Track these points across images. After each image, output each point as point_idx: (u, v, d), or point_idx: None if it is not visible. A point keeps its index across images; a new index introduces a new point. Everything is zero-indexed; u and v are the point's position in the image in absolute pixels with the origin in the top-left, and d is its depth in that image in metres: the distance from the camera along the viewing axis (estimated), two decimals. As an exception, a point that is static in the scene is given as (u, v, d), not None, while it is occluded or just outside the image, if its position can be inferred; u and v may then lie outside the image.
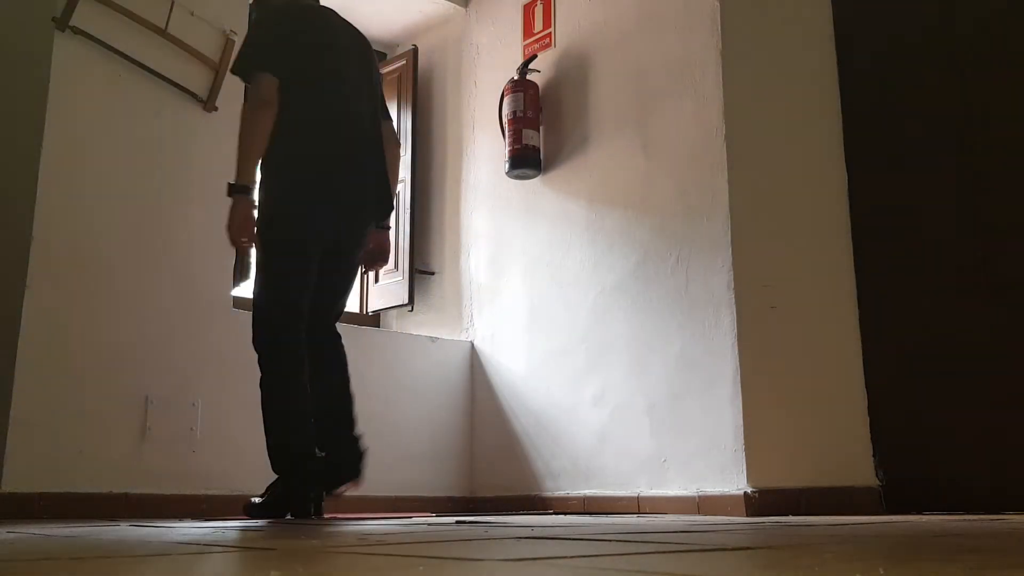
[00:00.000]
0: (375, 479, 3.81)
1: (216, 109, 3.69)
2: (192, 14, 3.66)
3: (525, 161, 4.03)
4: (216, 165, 3.69)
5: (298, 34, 2.82)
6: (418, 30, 4.84)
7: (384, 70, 4.82)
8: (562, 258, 3.92)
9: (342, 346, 2.96)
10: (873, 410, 3.40)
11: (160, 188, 3.53)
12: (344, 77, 2.84)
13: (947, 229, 3.40)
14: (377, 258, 3.09)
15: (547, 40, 4.19)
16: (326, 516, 2.98)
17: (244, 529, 2.18)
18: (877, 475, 3.34)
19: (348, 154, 2.80)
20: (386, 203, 2.94)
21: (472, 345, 4.29)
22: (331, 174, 2.78)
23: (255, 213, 2.69)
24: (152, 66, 3.55)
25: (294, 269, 2.73)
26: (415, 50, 4.74)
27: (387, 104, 3.17)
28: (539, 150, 4.05)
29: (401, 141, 4.65)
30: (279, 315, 2.70)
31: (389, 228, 3.12)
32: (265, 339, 2.70)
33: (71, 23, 3.37)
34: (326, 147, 2.77)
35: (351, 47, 2.95)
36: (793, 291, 3.40)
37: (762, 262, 3.36)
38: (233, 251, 2.85)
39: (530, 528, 2.07)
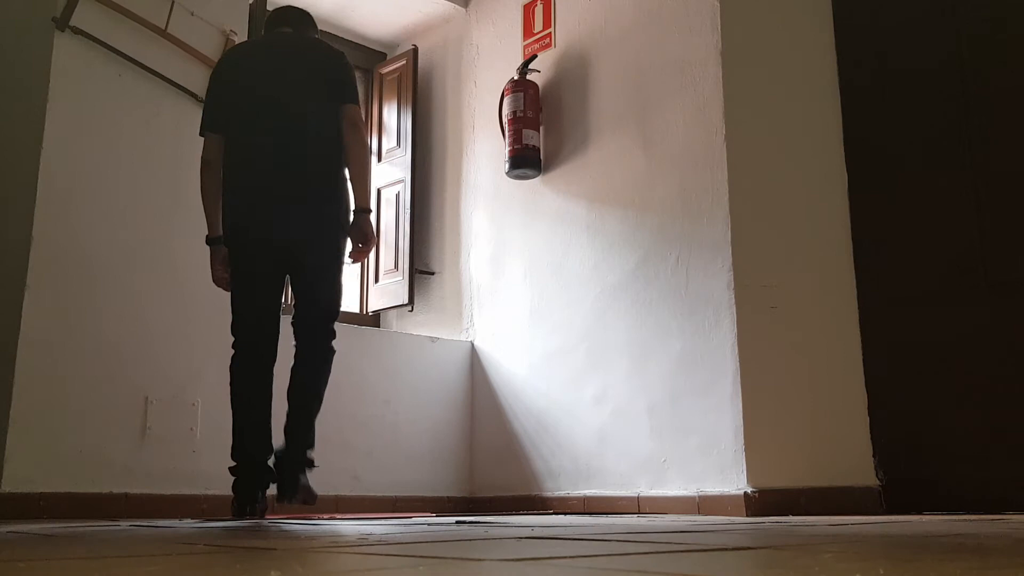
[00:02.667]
0: (375, 479, 3.83)
1: (216, 109, 3.69)
2: (192, 14, 3.66)
3: (525, 161, 4.03)
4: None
5: (221, 86, 3.03)
6: (418, 30, 4.84)
7: (384, 70, 4.82)
8: (562, 258, 3.92)
9: (313, 349, 2.94)
10: (873, 410, 3.41)
11: (160, 188, 3.53)
12: (261, 109, 2.97)
13: (947, 229, 3.40)
14: (357, 241, 2.99)
15: (547, 40, 4.19)
16: (325, 516, 2.98)
17: (244, 529, 2.18)
18: (877, 475, 3.34)
19: (264, 175, 2.93)
20: (319, 193, 2.96)
21: (472, 345, 4.29)
22: (250, 198, 2.95)
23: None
24: (152, 66, 3.55)
25: (236, 290, 2.96)
26: (415, 50, 4.74)
27: (357, 92, 3.08)
28: (539, 150, 4.05)
29: (401, 141, 4.66)
30: (233, 326, 2.95)
31: (368, 211, 2.98)
32: None
33: (71, 23, 3.37)
34: (242, 179, 2.95)
35: (278, 71, 3.02)
36: (793, 291, 3.40)
37: (762, 262, 3.36)
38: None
39: (530, 528, 2.07)
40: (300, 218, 2.89)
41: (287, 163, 2.90)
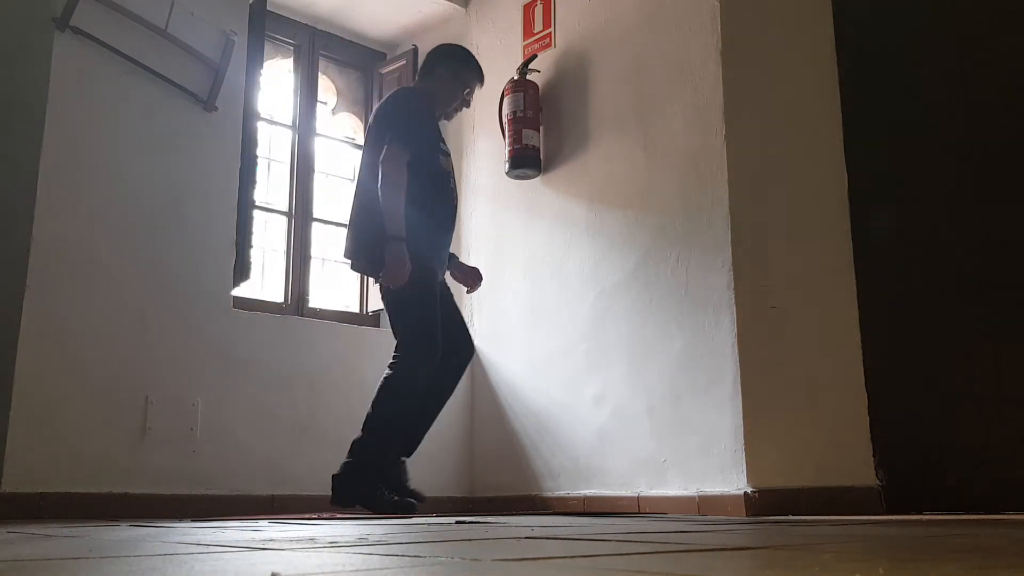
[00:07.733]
0: (375, 479, 3.82)
1: (216, 109, 3.69)
2: (192, 14, 3.66)
3: (525, 161, 4.03)
4: (216, 165, 3.70)
5: None
6: (418, 30, 4.84)
7: (384, 70, 4.82)
8: (562, 258, 3.92)
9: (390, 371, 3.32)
10: (873, 410, 3.40)
11: (160, 188, 3.53)
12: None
13: (947, 229, 3.40)
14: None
15: (547, 40, 4.19)
16: (325, 515, 2.99)
17: (244, 529, 2.19)
18: (877, 475, 3.34)
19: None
20: (352, 244, 3.38)
21: (472, 345, 4.28)
22: None
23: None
24: (152, 66, 3.55)
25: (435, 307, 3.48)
26: (415, 50, 4.74)
27: (393, 131, 3.35)
28: (539, 150, 4.05)
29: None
30: (436, 335, 3.43)
31: (390, 238, 3.20)
32: None
33: (71, 23, 3.37)
34: None
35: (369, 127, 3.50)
36: (793, 291, 3.40)
37: (762, 262, 3.36)
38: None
39: (530, 528, 2.07)
40: (355, 262, 3.43)
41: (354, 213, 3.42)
